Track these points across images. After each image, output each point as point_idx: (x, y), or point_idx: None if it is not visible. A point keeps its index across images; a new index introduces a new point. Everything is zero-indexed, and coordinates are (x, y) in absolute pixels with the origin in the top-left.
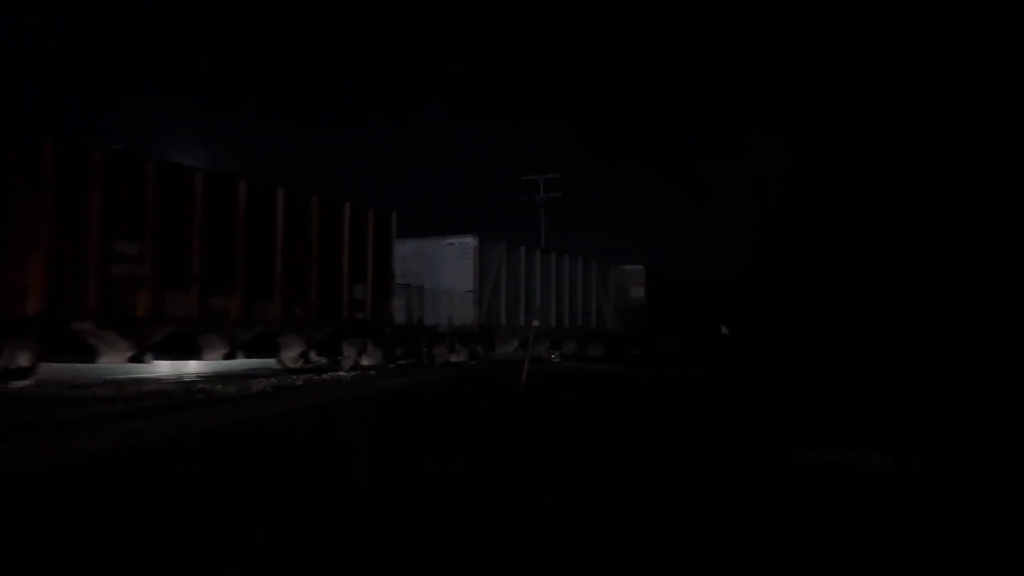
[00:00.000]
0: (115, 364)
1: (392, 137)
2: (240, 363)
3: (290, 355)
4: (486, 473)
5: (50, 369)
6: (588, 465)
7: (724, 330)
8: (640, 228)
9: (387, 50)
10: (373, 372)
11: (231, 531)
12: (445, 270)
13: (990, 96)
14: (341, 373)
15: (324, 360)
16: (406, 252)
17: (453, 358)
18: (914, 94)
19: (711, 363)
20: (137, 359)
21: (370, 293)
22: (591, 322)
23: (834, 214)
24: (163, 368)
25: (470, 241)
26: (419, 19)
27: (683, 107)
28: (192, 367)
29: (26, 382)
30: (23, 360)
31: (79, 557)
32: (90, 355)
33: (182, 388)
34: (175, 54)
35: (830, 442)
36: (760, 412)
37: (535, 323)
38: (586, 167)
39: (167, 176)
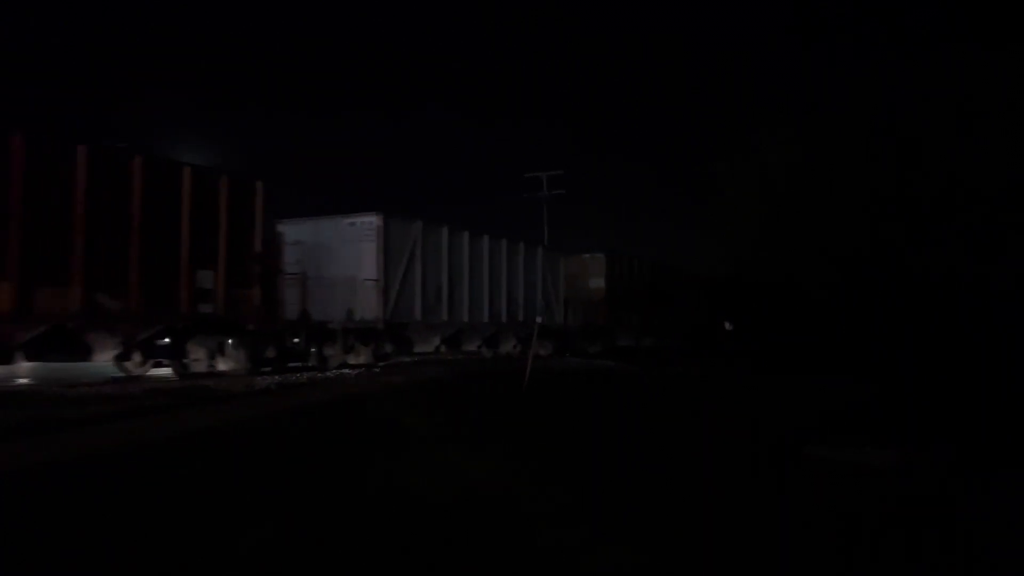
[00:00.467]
0: None
1: (392, 137)
2: (64, 367)
3: (104, 357)
4: (486, 473)
5: (51, 368)
6: (592, 463)
7: (728, 327)
8: (641, 227)
9: (387, 50)
10: (377, 370)
11: (231, 531)
12: (345, 255)
13: (990, 96)
14: (345, 371)
15: (169, 367)
16: (301, 235)
17: (351, 359)
18: (914, 94)
19: (684, 361)
20: None
21: (223, 281)
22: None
23: (835, 213)
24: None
25: (373, 220)
26: (419, 19)
27: (683, 106)
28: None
29: None
30: None
31: (80, 557)
32: None
33: (185, 386)
34: (175, 54)
35: (832, 441)
36: (761, 411)
37: (539, 319)
38: (587, 166)
39: None
